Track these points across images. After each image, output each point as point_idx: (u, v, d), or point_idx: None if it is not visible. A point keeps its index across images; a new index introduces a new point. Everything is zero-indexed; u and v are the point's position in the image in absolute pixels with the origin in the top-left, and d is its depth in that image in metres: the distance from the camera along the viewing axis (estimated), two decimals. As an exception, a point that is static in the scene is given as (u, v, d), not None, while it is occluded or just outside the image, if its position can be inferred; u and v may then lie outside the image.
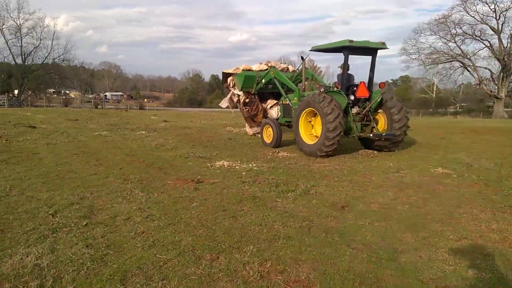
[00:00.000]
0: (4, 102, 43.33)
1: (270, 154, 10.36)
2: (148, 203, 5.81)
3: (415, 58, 54.00)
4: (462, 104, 76.53)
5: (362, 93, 10.37)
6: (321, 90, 10.28)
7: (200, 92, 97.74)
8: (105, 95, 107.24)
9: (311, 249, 4.18)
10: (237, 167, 8.60)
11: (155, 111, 45.31)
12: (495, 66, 51.71)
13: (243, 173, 7.95)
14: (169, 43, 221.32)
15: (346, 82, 10.58)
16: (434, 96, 78.49)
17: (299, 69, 13.08)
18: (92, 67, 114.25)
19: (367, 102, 10.51)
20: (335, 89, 10.30)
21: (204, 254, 4.03)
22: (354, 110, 10.43)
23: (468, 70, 52.05)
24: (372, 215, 5.33)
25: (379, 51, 10.60)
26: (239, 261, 3.87)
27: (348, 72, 10.69)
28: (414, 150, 11.02)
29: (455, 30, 50.36)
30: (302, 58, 11.91)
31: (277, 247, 4.22)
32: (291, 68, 14.44)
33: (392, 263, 3.89)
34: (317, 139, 10.04)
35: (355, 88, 10.46)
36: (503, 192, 6.55)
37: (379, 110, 10.65)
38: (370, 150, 10.72)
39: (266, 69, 13.30)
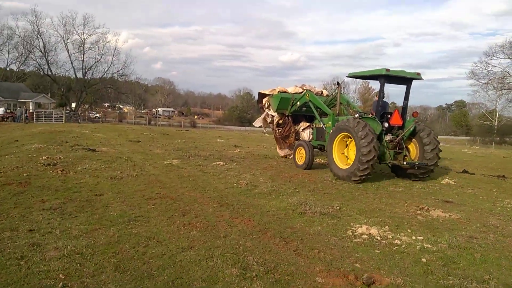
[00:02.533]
0: (62, 117, 42.28)
1: (418, 212, 7.17)
2: None
3: (485, 83, 49.16)
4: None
5: (396, 121, 10.26)
6: (356, 116, 10.10)
7: (250, 110, 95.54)
8: (157, 111, 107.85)
9: None
10: (396, 241, 5.49)
11: (212, 130, 43.10)
12: None
13: (422, 259, 4.84)
14: (221, 61, 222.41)
15: (381, 109, 10.55)
16: (496, 123, 71.81)
17: (333, 93, 12.81)
18: (146, 83, 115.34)
19: (400, 130, 10.36)
20: (370, 115, 10.33)
21: None
22: (388, 137, 10.28)
23: (544, 98, 46.62)
24: None
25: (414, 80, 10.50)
26: None
27: (384, 99, 10.72)
28: None
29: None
30: (337, 83, 12.06)
31: None
32: (325, 92, 14.08)
33: None
34: (351, 164, 9.82)
35: (389, 116, 10.37)
36: None
37: (412, 139, 10.50)
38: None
39: (301, 92, 13.13)
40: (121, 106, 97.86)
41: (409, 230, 6.00)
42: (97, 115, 61.50)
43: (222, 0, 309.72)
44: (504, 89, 48.18)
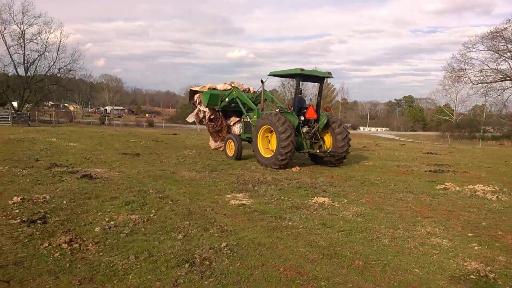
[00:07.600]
0: (7, 118, 34.05)
1: None
2: None
3: (462, 76, 47.44)
4: (486, 127, 69.08)
5: (311, 114, 11.13)
6: (277, 111, 11.10)
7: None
8: (105, 109, 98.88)
9: None
10: None
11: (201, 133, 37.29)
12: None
13: None
14: (168, 57, 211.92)
15: (298, 104, 11.47)
16: (454, 118, 71.81)
17: (259, 90, 13.29)
18: (91, 80, 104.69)
19: (315, 123, 11.29)
20: (288, 110, 11.15)
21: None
22: (304, 129, 11.18)
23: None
24: None
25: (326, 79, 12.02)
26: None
27: (300, 96, 12.22)
28: None
29: (507, 46, 43.64)
30: (261, 81, 12.30)
31: None
32: (252, 89, 14.52)
33: None
34: (273, 153, 10.78)
35: (305, 110, 11.29)
36: None
37: (326, 131, 11.49)
38: None
39: (230, 89, 13.65)
40: (66, 105, 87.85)
41: None
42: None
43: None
44: (482, 82, 46.42)
